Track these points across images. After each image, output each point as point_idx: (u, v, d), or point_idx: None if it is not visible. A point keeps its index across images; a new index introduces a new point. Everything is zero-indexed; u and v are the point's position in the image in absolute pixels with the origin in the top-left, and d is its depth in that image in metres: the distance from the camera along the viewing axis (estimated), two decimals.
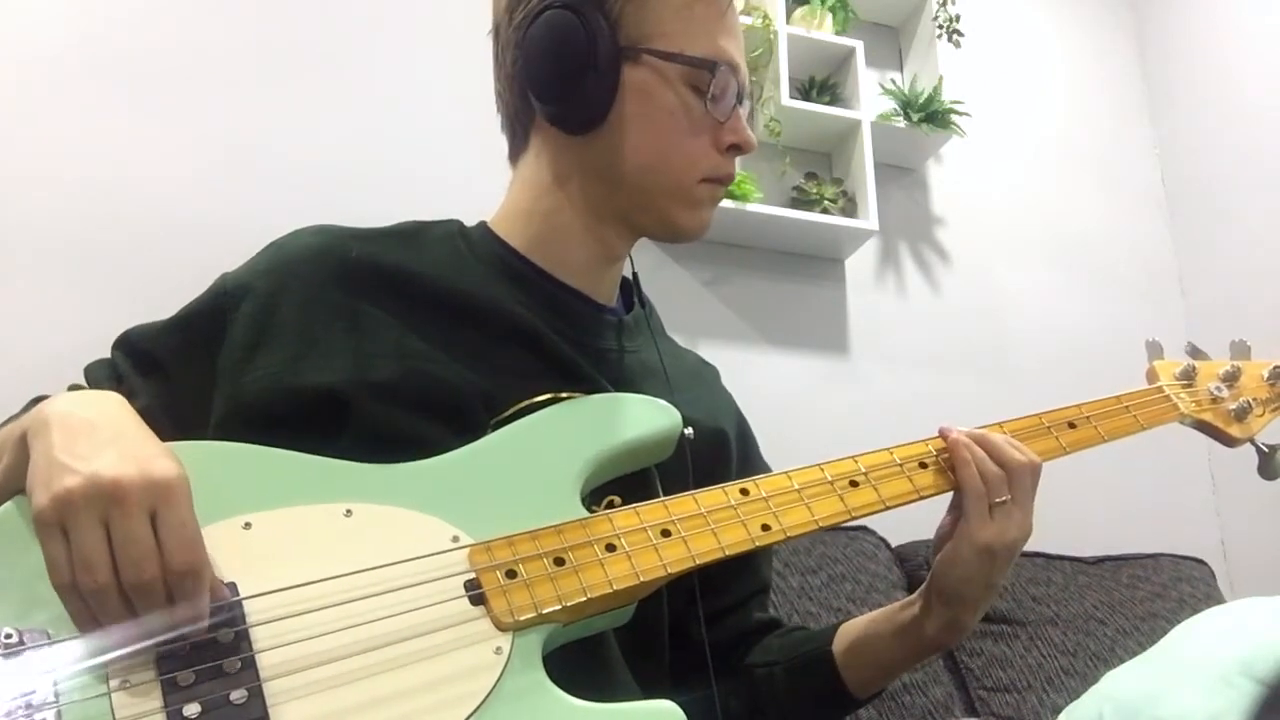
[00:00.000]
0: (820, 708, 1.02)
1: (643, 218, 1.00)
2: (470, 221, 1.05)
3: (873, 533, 2.00)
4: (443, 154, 2.07)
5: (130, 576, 0.64)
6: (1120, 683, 1.37)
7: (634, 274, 1.10)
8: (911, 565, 2.01)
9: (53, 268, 1.79)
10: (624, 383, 0.97)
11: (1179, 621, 1.49)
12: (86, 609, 0.65)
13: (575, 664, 0.77)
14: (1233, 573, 2.49)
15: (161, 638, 0.65)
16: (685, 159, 0.97)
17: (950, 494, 0.96)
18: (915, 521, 1.86)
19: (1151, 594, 2.10)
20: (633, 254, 1.07)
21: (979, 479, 0.93)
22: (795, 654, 1.02)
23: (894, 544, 2.04)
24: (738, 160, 1.03)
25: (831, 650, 1.00)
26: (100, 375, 0.94)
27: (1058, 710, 1.49)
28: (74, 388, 0.93)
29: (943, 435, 0.97)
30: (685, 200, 0.99)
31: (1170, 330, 2.67)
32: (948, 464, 0.96)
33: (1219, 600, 2.17)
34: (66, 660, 0.64)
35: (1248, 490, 2.49)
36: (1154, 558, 2.20)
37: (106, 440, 0.70)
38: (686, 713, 1.03)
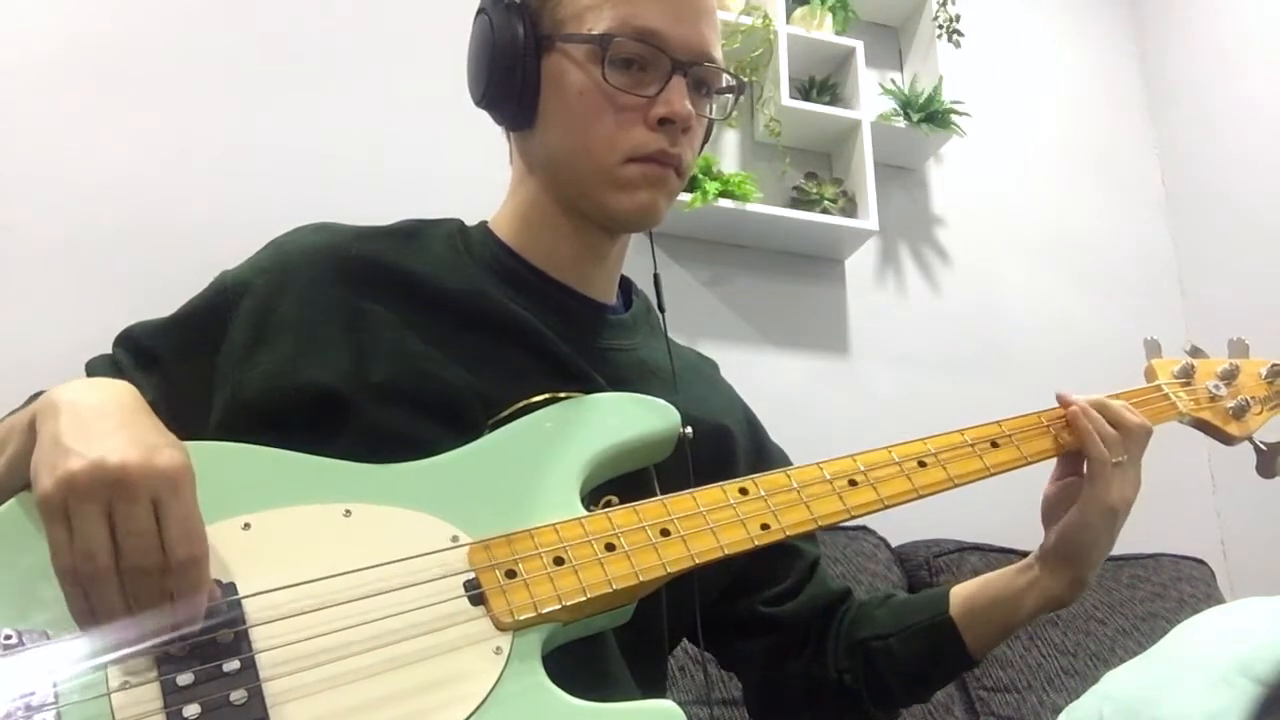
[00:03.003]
0: (941, 672, 1.06)
1: (587, 207, 0.98)
2: (473, 222, 1.06)
3: (873, 533, 2.00)
4: (445, 154, 2.07)
5: (131, 563, 0.64)
6: (1120, 683, 1.37)
7: (654, 275, 1.08)
8: (911, 565, 2.01)
9: (52, 267, 1.79)
10: (622, 381, 0.96)
11: (1179, 621, 1.50)
12: (84, 596, 0.64)
13: (574, 664, 0.77)
14: (1233, 573, 2.49)
15: (160, 634, 0.65)
16: (602, 139, 0.93)
17: (945, 491, 0.97)
18: (915, 521, 1.87)
19: (1151, 594, 2.10)
20: (633, 253, 1.07)
21: (1103, 446, 0.97)
22: (910, 624, 1.04)
23: (894, 544, 2.04)
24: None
25: (950, 616, 1.02)
26: (101, 371, 0.93)
27: (1058, 710, 1.49)
28: None
29: (1062, 403, 1.02)
30: (613, 183, 0.94)
31: (1170, 330, 2.67)
32: (947, 461, 0.96)
33: (1219, 600, 2.17)
34: (66, 661, 0.64)
35: (1248, 490, 2.49)
36: (1154, 558, 2.20)
37: (114, 427, 0.70)
38: (772, 693, 1.08)
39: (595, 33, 0.92)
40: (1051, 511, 1.01)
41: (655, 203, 0.96)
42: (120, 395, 0.77)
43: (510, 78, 0.95)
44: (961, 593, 1.04)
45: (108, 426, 0.70)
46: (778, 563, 1.09)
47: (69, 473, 0.65)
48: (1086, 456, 0.98)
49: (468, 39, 1.02)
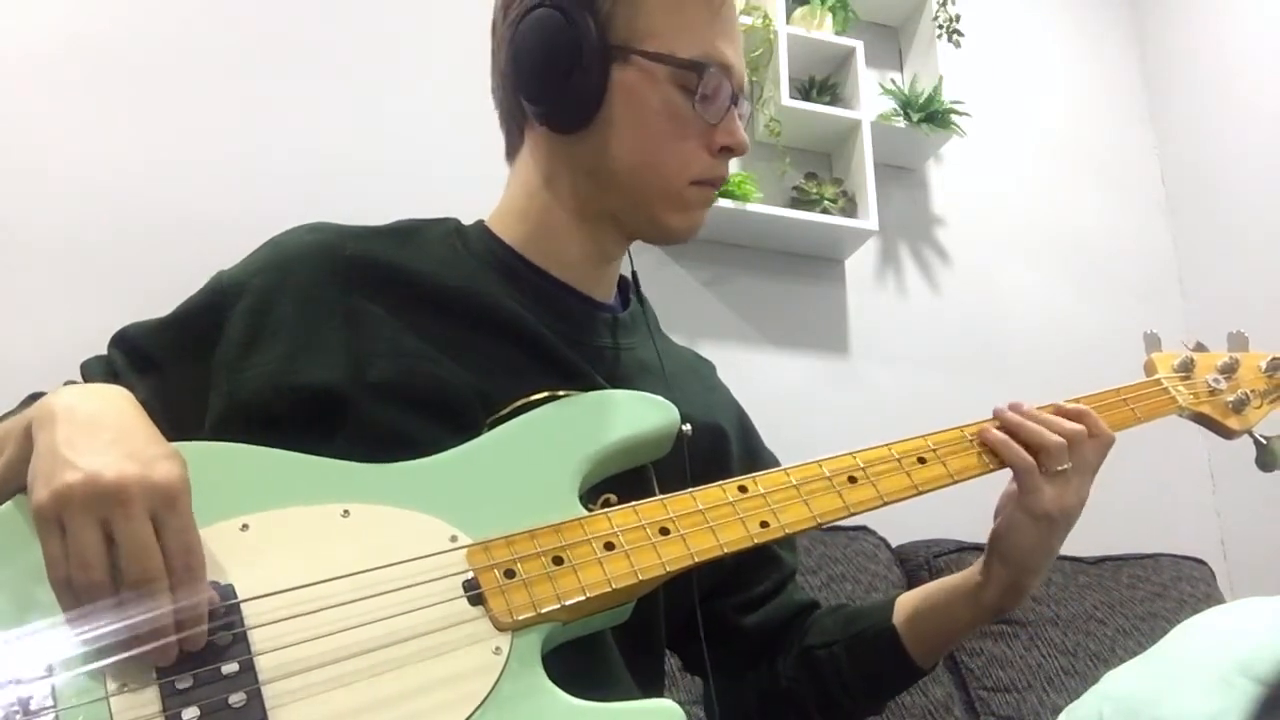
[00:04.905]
0: (886, 681, 1.04)
1: (632, 219, 0.99)
2: (469, 220, 1.05)
3: (873, 533, 2.00)
4: (442, 152, 2.07)
5: (130, 575, 0.64)
6: (1120, 683, 1.37)
7: (633, 273, 1.10)
8: (911, 565, 2.01)
9: (51, 267, 1.79)
10: (620, 380, 0.96)
11: (1179, 621, 1.49)
12: (80, 608, 0.64)
13: (574, 663, 0.77)
14: (1233, 573, 2.50)
15: (159, 641, 0.64)
16: (675, 161, 0.96)
17: (942, 491, 0.96)
18: (915, 521, 1.87)
19: (1151, 594, 2.10)
20: (632, 253, 1.07)
21: (1024, 454, 0.95)
22: (854, 631, 1.03)
23: (894, 544, 2.04)
24: (739, 159, 1.04)
25: (893, 625, 1.01)
26: (96, 372, 0.93)
27: (1058, 710, 1.49)
28: (69, 384, 0.92)
29: (996, 415, 1.00)
30: (675, 202, 0.98)
31: (1170, 329, 2.66)
32: (948, 455, 0.96)
33: (1219, 600, 2.17)
34: (64, 664, 0.63)
35: (1248, 490, 2.50)
36: (1154, 558, 2.20)
37: (110, 439, 0.70)
38: (737, 699, 1.06)
39: (685, 57, 0.94)
40: (998, 514, 0.99)
41: (701, 222, 1.01)
42: (117, 403, 0.77)
43: (573, 78, 0.94)
44: (907, 601, 1.03)
45: (104, 438, 0.70)
46: (755, 568, 1.09)
47: (65, 485, 0.65)
48: (1011, 466, 0.96)
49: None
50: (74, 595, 0.64)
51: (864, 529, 1.99)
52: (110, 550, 0.65)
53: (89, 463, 0.66)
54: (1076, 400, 1.02)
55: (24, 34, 1.88)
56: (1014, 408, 0.99)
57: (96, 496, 0.65)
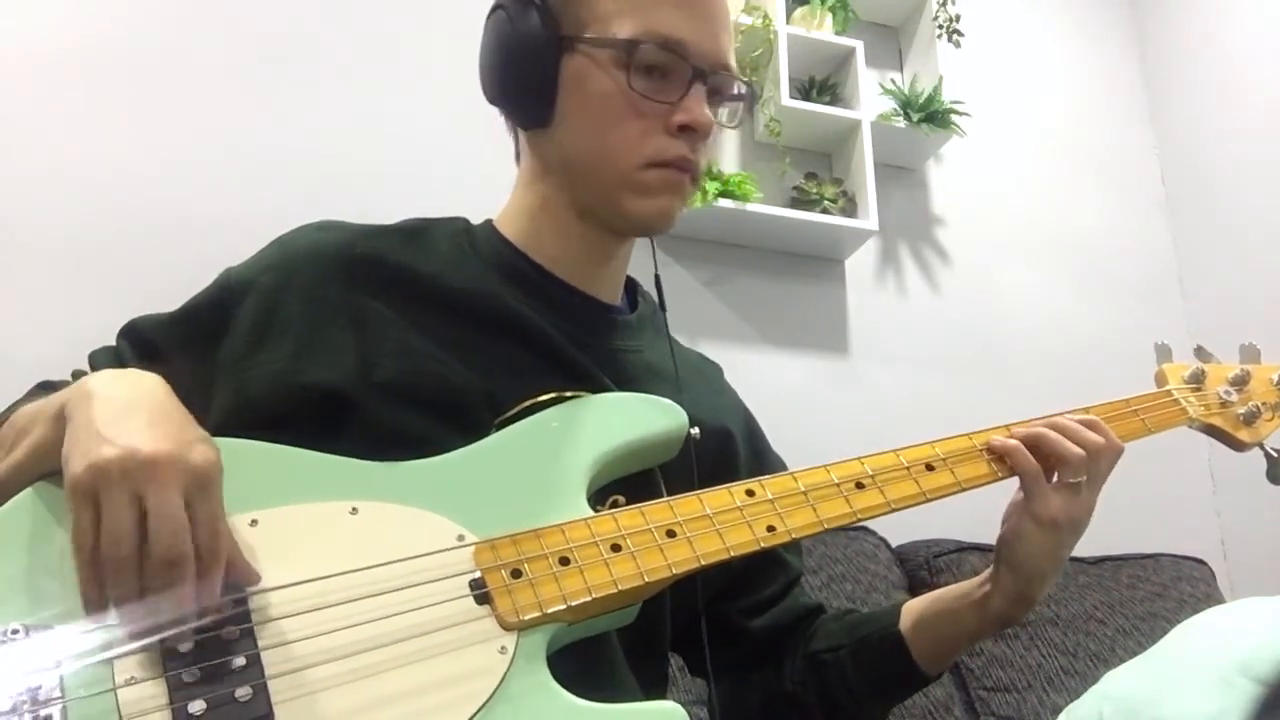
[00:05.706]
0: (892, 687, 1.04)
1: (603, 210, 0.98)
2: (478, 220, 1.05)
3: (873, 533, 2.00)
4: (442, 152, 2.07)
5: (159, 551, 0.64)
6: (1120, 683, 1.37)
7: (655, 275, 1.08)
8: (912, 565, 2.02)
9: (52, 267, 1.79)
10: (627, 382, 0.96)
11: (1179, 621, 1.49)
12: (99, 584, 0.64)
13: (578, 664, 0.77)
14: (1233, 573, 2.50)
15: (171, 628, 0.65)
16: (624, 144, 0.93)
17: (948, 497, 0.96)
18: (916, 522, 1.87)
19: (1151, 594, 2.10)
20: (635, 253, 1.07)
21: (1030, 461, 0.95)
22: (860, 636, 1.03)
23: (894, 544, 2.04)
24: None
25: (899, 630, 1.01)
26: (104, 362, 0.93)
27: (1058, 710, 1.49)
28: (77, 374, 0.92)
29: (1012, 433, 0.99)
30: (632, 187, 0.95)
31: (1170, 331, 2.67)
32: (956, 463, 0.96)
33: (1219, 600, 2.17)
34: (72, 655, 0.63)
35: (1248, 490, 2.49)
36: (1154, 558, 2.20)
37: (147, 420, 0.70)
38: (740, 701, 1.07)
39: (621, 38, 0.92)
40: (1005, 522, 0.99)
41: (671, 208, 0.97)
42: (153, 388, 0.77)
43: (527, 76, 0.94)
44: (914, 607, 1.03)
45: (141, 419, 0.70)
46: (761, 572, 1.09)
47: (103, 459, 0.65)
48: (1018, 474, 0.96)
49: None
50: (99, 571, 0.64)
51: (864, 529, 1.99)
52: (140, 529, 0.65)
53: (127, 439, 0.66)
54: (1086, 410, 1.02)
55: (24, 34, 1.88)
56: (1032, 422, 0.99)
57: (133, 471, 0.65)
